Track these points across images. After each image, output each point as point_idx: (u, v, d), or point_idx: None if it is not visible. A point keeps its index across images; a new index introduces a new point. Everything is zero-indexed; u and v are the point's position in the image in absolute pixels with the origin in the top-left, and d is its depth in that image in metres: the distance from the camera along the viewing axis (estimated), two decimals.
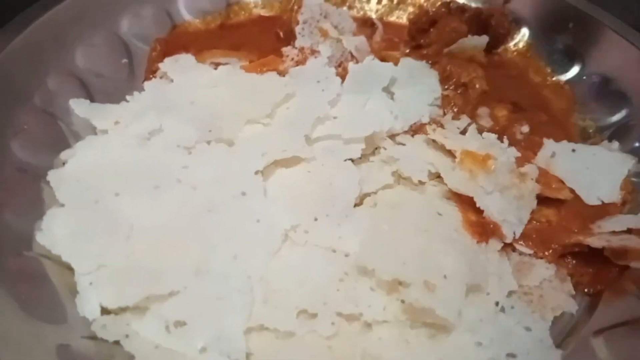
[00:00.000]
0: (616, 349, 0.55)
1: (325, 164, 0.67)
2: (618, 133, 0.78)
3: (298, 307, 0.54)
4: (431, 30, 0.85)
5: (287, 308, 0.55)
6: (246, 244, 0.60)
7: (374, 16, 1.00)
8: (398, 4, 1.00)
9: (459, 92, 0.77)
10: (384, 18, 1.00)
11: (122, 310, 0.56)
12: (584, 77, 0.85)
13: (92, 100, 0.78)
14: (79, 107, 0.73)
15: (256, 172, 0.65)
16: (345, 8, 0.93)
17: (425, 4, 0.86)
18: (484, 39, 0.82)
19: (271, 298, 0.56)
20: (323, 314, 0.54)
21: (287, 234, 0.61)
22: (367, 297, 0.56)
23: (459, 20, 0.83)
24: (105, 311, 0.56)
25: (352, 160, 0.68)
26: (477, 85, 0.76)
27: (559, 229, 0.66)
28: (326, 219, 0.61)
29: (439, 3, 0.87)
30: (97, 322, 0.55)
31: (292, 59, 0.84)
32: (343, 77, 0.80)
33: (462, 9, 0.84)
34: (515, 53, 0.92)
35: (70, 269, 0.59)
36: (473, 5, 0.91)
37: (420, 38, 0.86)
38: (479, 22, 0.83)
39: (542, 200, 0.67)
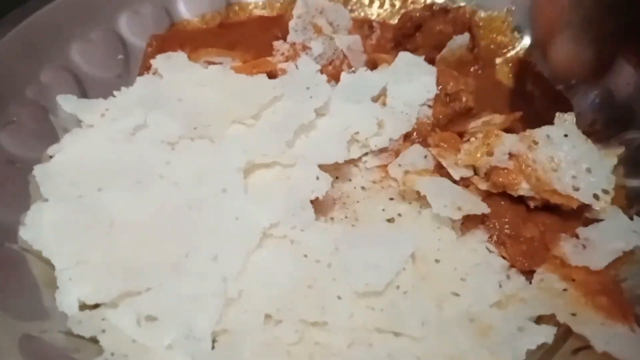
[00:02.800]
0: None
1: (306, 170, 0.66)
2: None
3: (264, 312, 0.54)
4: (417, 34, 0.84)
5: (253, 313, 0.54)
6: (224, 242, 0.60)
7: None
8: (400, 8, 0.99)
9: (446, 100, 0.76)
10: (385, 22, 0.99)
11: (99, 305, 0.56)
12: (584, 88, 0.82)
13: (85, 95, 0.79)
14: (66, 102, 0.74)
15: (237, 170, 0.65)
16: (341, 5, 0.91)
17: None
18: (466, 37, 0.80)
19: (238, 301, 0.55)
20: (288, 320, 0.54)
21: (265, 232, 0.60)
22: (334, 305, 0.55)
23: (443, 21, 0.81)
24: (84, 306, 0.56)
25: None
26: (464, 99, 0.74)
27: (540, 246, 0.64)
28: (304, 224, 0.61)
29: (421, 7, 0.86)
30: (73, 318, 0.55)
31: (283, 53, 0.84)
32: (333, 76, 0.80)
33: (445, 10, 0.82)
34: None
35: (51, 263, 0.59)
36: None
37: (406, 43, 0.85)
38: (456, 20, 0.81)
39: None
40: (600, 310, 0.56)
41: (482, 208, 0.64)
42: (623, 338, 0.53)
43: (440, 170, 0.70)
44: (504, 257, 0.63)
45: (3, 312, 0.54)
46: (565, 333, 0.57)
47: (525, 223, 0.66)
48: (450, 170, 0.68)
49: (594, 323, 0.55)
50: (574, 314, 0.56)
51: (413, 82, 0.76)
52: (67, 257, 0.58)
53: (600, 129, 0.77)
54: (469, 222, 0.65)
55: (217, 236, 0.60)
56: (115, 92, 0.76)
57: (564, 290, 0.59)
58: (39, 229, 0.61)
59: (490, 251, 0.63)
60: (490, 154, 0.67)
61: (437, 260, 0.61)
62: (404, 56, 0.79)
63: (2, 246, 0.61)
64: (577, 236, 0.65)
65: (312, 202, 0.63)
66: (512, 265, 0.62)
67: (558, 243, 0.64)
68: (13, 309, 0.55)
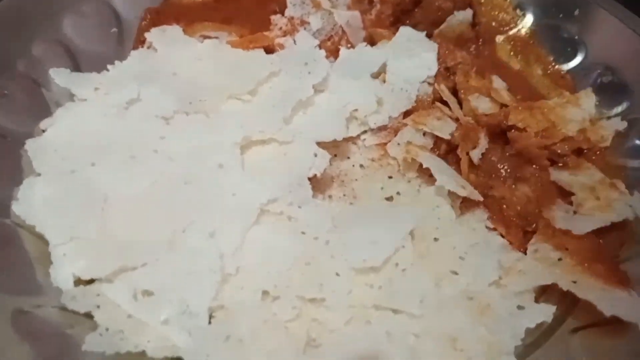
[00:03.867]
0: (591, 347, 0.54)
1: (304, 147, 0.66)
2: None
3: (261, 289, 0.54)
4: (415, 10, 0.82)
5: (251, 289, 0.54)
6: (221, 218, 0.59)
7: None
8: None
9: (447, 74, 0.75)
10: None
11: (94, 280, 0.56)
12: (586, 67, 0.81)
13: (78, 68, 0.77)
14: (59, 76, 0.72)
15: (234, 145, 0.64)
16: None
17: None
18: (468, 13, 0.79)
19: (235, 278, 0.55)
20: (285, 296, 0.54)
21: (262, 209, 0.60)
22: (332, 281, 0.55)
23: None
24: (79, 281, 0.56)
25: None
26: (461, 72, 0.74)
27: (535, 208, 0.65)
28: (300, 200, 0.61)
29: None
30: (67, 293, 0.54)
31: (281, 28, 0.82)
32: (331, 52, 0.78)
33: None
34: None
35: (45, 239, 0.58)
36: None
37: (405, 19, 0.83)
38: None
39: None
40: (597, 276, 0.57)
41: (476, 195, 0.63)
42: (626, 301, 0.54)
43: (437, 148, 0.70)
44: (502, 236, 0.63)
45: None
46: (563, 313, 0.57)
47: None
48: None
49: (596, 289, 0.55)
50: (574, 282, 0.56)
51: (413, 58, 0.75)
52: (61, 232, 0.58)
53: (604, 108, 0.76)
54: (468, 202, 0.65)
55: (214, 212, 0.60)
56: (109, 66, 0.74)
57: (559, 259, 0.59)
58: (32, 203, 0.60)
59: (489, 230, 0.63)
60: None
61: (436, 239, 0.61)
62: (405, 31, 0.77)
63: None
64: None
65: (310, 179, 0.63)
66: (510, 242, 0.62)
67: (551, 207, 0.64)
68: (5, 284, 0.54)
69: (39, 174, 0.63)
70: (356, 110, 0.71)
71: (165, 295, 0.54)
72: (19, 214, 0.59)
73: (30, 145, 0.65)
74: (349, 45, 0.81)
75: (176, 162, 0.64)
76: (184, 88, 0.71)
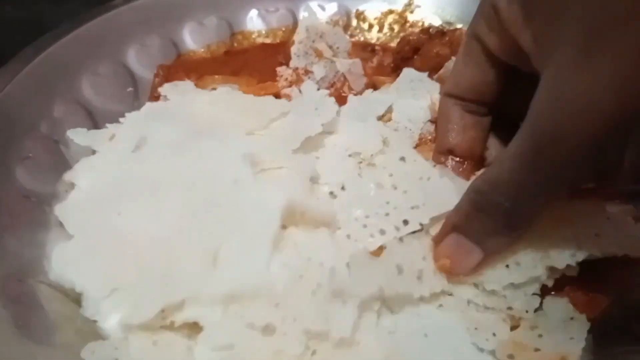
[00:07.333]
0: None
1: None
2: None
3: (266, 321, 0.53)
4: (415, 57, 0.86)
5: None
6: (247, 230, 0.59)
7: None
8: (398, 32, 1.02)
9: None
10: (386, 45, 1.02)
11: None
12: None
13: (97, 126, 0.81)
14: (77, 136, 0.74)
15: (244, 157, 0.66)
16: (340, 29, 0.94)
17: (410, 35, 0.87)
18: None
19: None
20: (292, 331, 0.53)
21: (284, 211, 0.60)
22: (338, 312, 0.54)
23: (440, 44, 0.84)
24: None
25: None
26: None
27: None
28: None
29: (419, 30, 0.88)
30: (88, 348, 0.54)
31: (286, 79, 0.86)
32: (335, 98, 0.81)
33: (442, 32, 0.85)
34: None
35: (66, 295, 0.60)
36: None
37: (405, 66, 0.86)
38: (453, 42, 0.83)
39: None
40: None
41: None
42: None
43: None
44: None
45: (32, 342, 0.54)
46: None
47: None
48: None
49: None
50: None
51: (419, 99, 0.78)
52: (101, 287, 0.57)
53: None
54: None
55: (240, 227, 0.60)
56: (121, 119, 0.77)
57: None
58: (68, 266, 0.61)
59: None
60: None
61: None
62: (407, 72, 0.81)
63: (22, 282, 0.60)
64: None
65: None
66: None
67: None
68: (38, 340, 0.54)
69: (71, 236, 0.63)
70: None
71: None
72: (55, 279, 0.60)
73: (59, 210, 0.66)
74: (352, 91, 0.85)
75: (194, 188, 0.64)
76: (196, 122, 0.73)
